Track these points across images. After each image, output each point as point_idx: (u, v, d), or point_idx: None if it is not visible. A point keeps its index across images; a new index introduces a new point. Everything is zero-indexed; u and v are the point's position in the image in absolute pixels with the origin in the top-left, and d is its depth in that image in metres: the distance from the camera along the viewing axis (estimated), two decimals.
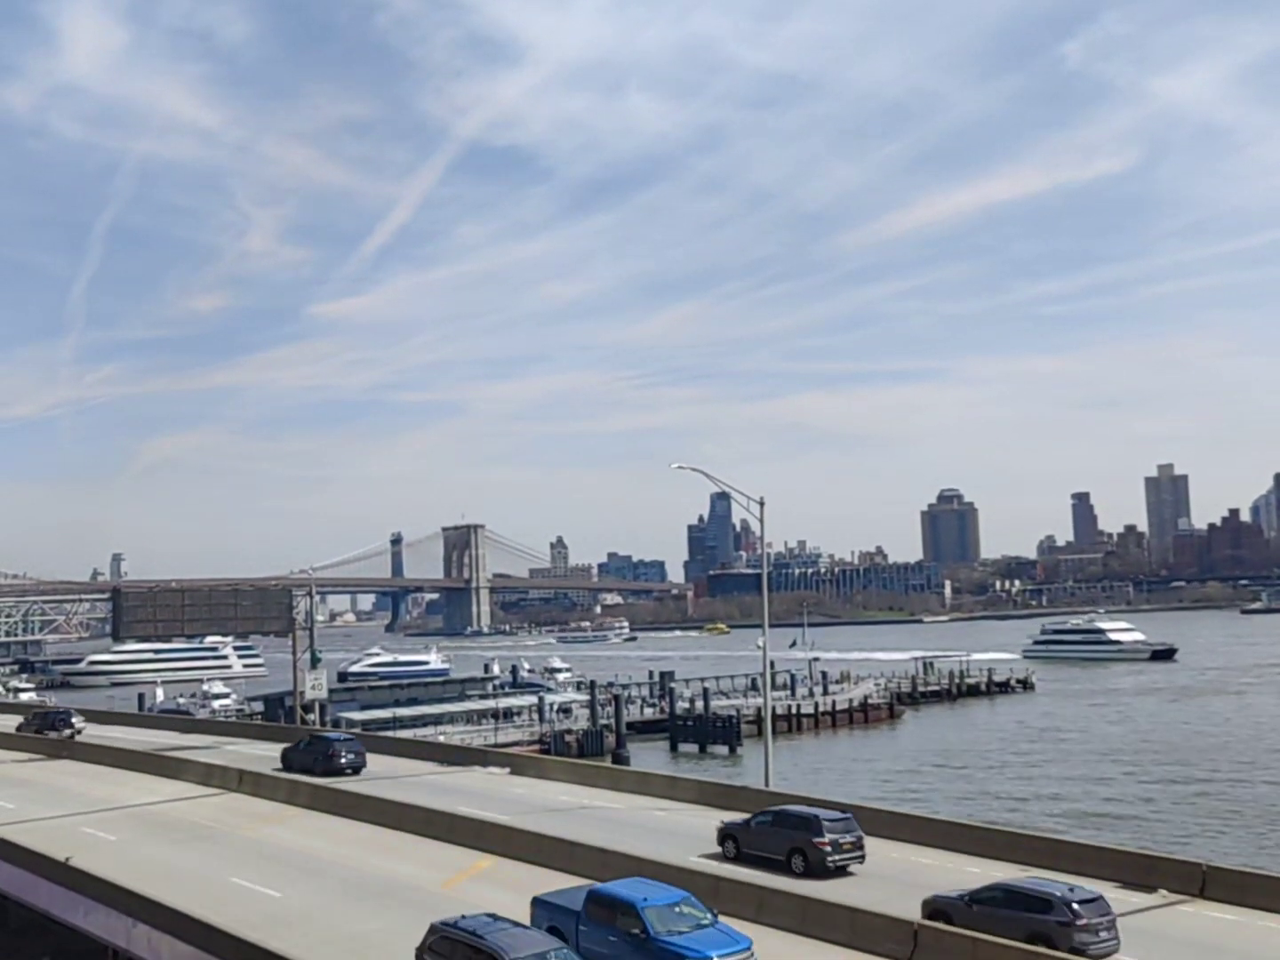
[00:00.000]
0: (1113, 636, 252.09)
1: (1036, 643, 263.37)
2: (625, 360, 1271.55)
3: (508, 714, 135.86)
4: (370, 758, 78.64)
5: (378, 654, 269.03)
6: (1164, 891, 40.43)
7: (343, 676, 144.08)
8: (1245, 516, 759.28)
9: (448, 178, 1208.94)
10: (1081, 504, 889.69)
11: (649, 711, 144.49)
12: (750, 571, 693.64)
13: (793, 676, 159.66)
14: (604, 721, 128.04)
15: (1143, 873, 41.88)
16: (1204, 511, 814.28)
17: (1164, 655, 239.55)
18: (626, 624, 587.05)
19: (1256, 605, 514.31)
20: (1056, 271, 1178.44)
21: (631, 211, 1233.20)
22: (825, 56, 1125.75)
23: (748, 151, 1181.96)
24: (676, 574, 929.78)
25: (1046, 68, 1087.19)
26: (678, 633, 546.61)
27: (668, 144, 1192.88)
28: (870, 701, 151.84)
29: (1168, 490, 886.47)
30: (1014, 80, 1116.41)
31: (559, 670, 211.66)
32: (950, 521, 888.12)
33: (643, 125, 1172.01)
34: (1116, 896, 40.20)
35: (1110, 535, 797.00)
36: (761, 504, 64.32)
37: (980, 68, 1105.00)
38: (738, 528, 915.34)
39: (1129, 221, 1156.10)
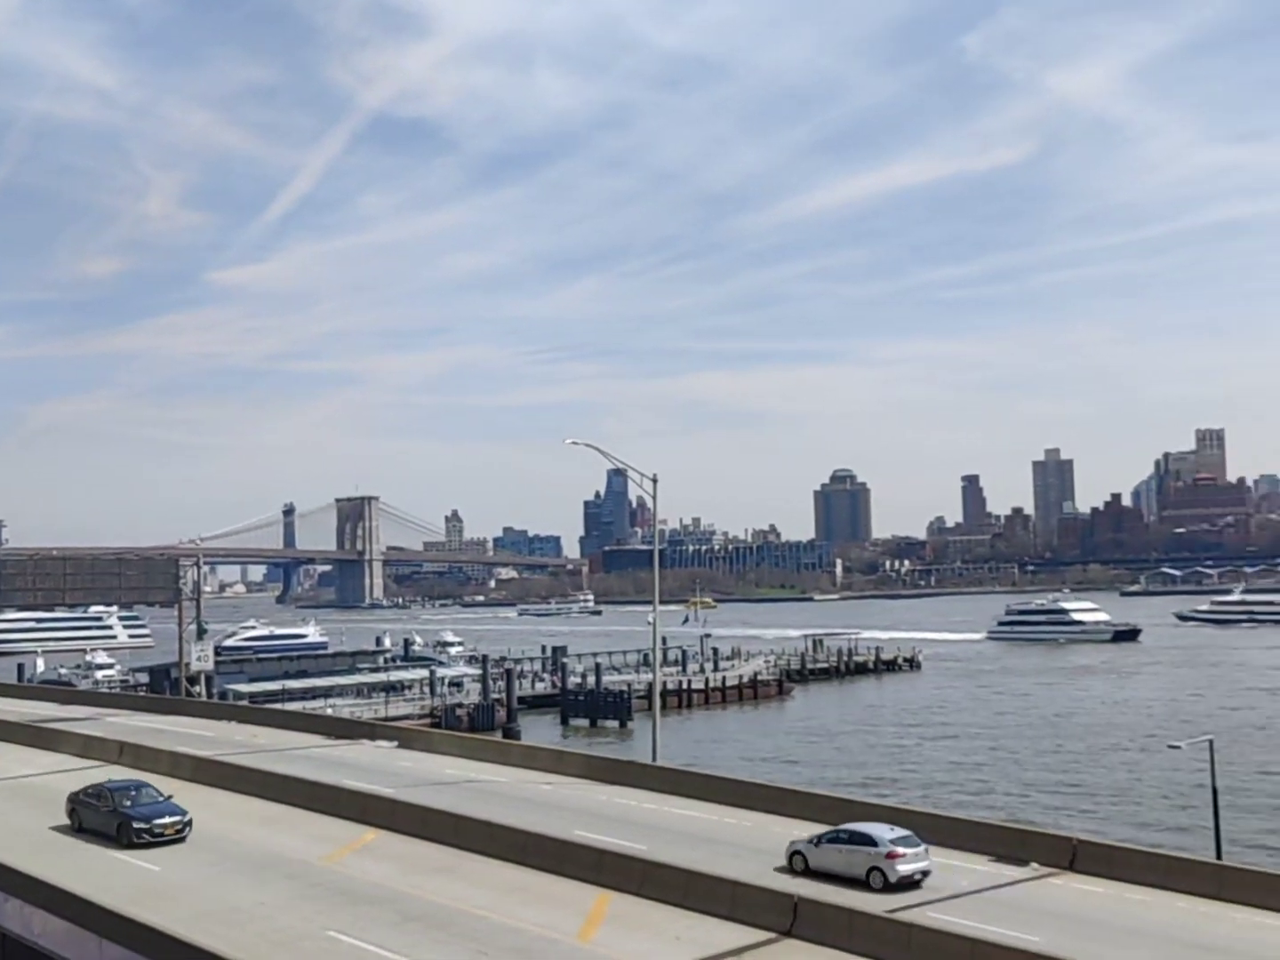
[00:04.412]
0: (1076, 617, 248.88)
1: (1001, 623, 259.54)
2: (527, 334, 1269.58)
3: (398, 687, 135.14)
4: (257, 730, 77.98)
5: (254, 627, 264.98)
6: (1035, 865, 41.47)
7: (217, 650, 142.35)
8: (1127, 501, 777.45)
9: (352, 147, 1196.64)
10: (971, 486, 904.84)
11: (541, 686, 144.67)
12: (645, 548, 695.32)
13: (684, 653, 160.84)
14: (495, 695, 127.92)
15: (1015, 846, 42.92)
16: (1088, 495, 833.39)
17: (1127, 636, 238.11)
18: (591, 596, 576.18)
19: (1135, 588, 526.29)
20: (955, 257, 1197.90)
21: (537, 186, 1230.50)
22: (733, 39, 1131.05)
23: (654, 131, 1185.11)
24: (572, 549, 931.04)
25: (948, 59, 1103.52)
26: (666, 607, 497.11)
27: (575, 121, 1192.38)
28: (760, 678, 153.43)
29: (1054, 474, 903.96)
30: (917, 70, 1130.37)
31: (451, 644, 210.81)
32: (843, 501, 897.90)
33: (550, 101, 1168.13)
34: (990, 870, 41.31)
35: (998, 517, 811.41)
36: (655, 481, 64.60)
37: (884, 56, 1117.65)
38: (634, 504, 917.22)
39: (1025, 210, 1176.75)
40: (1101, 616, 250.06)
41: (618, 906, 36.94)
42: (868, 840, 40.27)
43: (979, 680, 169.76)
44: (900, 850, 39.64)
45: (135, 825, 44.51)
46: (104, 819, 45.69)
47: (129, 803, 45.81)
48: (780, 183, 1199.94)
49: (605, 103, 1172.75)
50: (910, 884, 39.40)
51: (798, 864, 41.76)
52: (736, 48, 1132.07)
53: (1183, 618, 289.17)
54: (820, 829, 46.06)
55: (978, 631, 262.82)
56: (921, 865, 39.94)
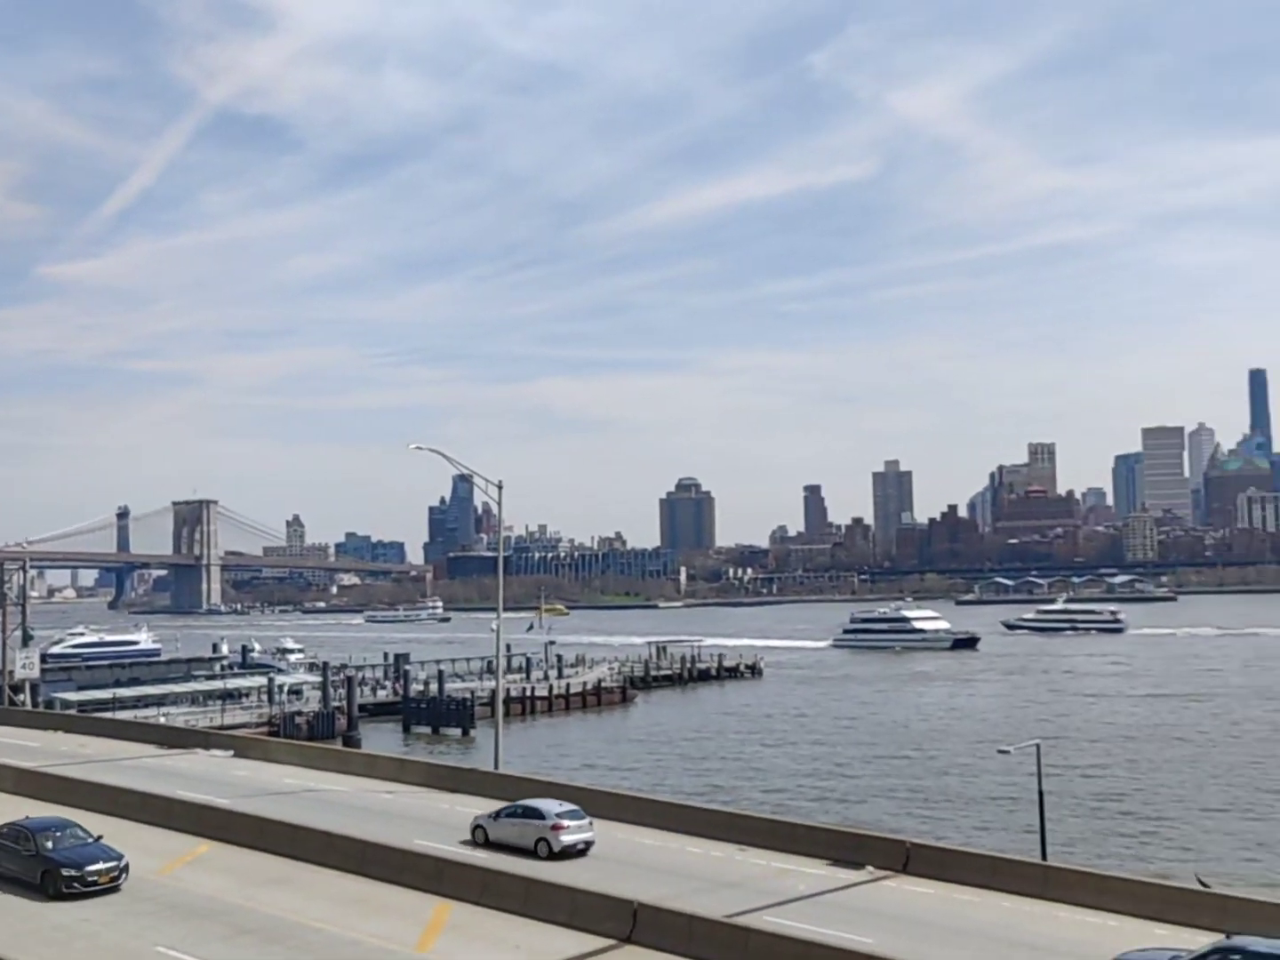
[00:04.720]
0: (917, 625, 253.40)
1: (846, 631, 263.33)
2: (374, 338, 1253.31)
3: (235, 695, 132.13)
4: (86, 740, 75.62)
5: (83, 633, 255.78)
6: (871, 868, 42.42)
7: (43, 658, 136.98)
8: (963, 512, 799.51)
9: (195, 143, 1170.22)
10: (813, 496, 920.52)
11: (383, 693, 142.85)
12: (490, 554, 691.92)
13: (528, 659, 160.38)
14: (336, 703, 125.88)
15: (851, 850, 43.84)
16: (926, 506, 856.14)
17: (966, 644, 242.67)
18: (440, 603, 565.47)
19: (969, 596, 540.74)
20: (800, 270, 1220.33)
21: (385, 188, 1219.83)
22: (585, 48, 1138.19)
23: (505, 135, 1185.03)
24: (416, 555, 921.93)
25: (795, 75, 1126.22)
26: (513, 614, 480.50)
27: (424, 123, 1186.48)
28: (604, 685, 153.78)
29: (893, 485, 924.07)
30: (765, 84, 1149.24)
31: (291, 651, 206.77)
32: (688, 509, 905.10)
33: (400, 103, 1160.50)
34: (826, 873, 42.10)
35: (839, 527, 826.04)
36: (500, 487, 64.39)
37: (734, 70, 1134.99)
38: (479, 510, 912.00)
39: (868, 227, 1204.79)
40: (942, 625, 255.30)
41: (458, 916, 36.78)
42: (537, 814, 45.63)
43: (820, 687, 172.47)
44: (564, 823, 44.97)
45: (64, 873, 38.60)
46: (25, 865, 39.61)
47: (51, 844, 39.92)
48: (630, 192, 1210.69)
49: (455, 106, 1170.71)
50: (574, 853, 44.55)
51: (479, 836, 46.52)
52: (588, 56, 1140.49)
53: (1010, 626, 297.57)
54: (660, 835, 46.54)
55: (822, 639, 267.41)
56: (585, 836, 45.23)
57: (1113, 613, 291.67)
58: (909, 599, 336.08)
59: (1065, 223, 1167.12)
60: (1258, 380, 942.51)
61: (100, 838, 41.47)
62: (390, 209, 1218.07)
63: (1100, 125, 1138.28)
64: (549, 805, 46.29)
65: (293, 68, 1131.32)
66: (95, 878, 38.81)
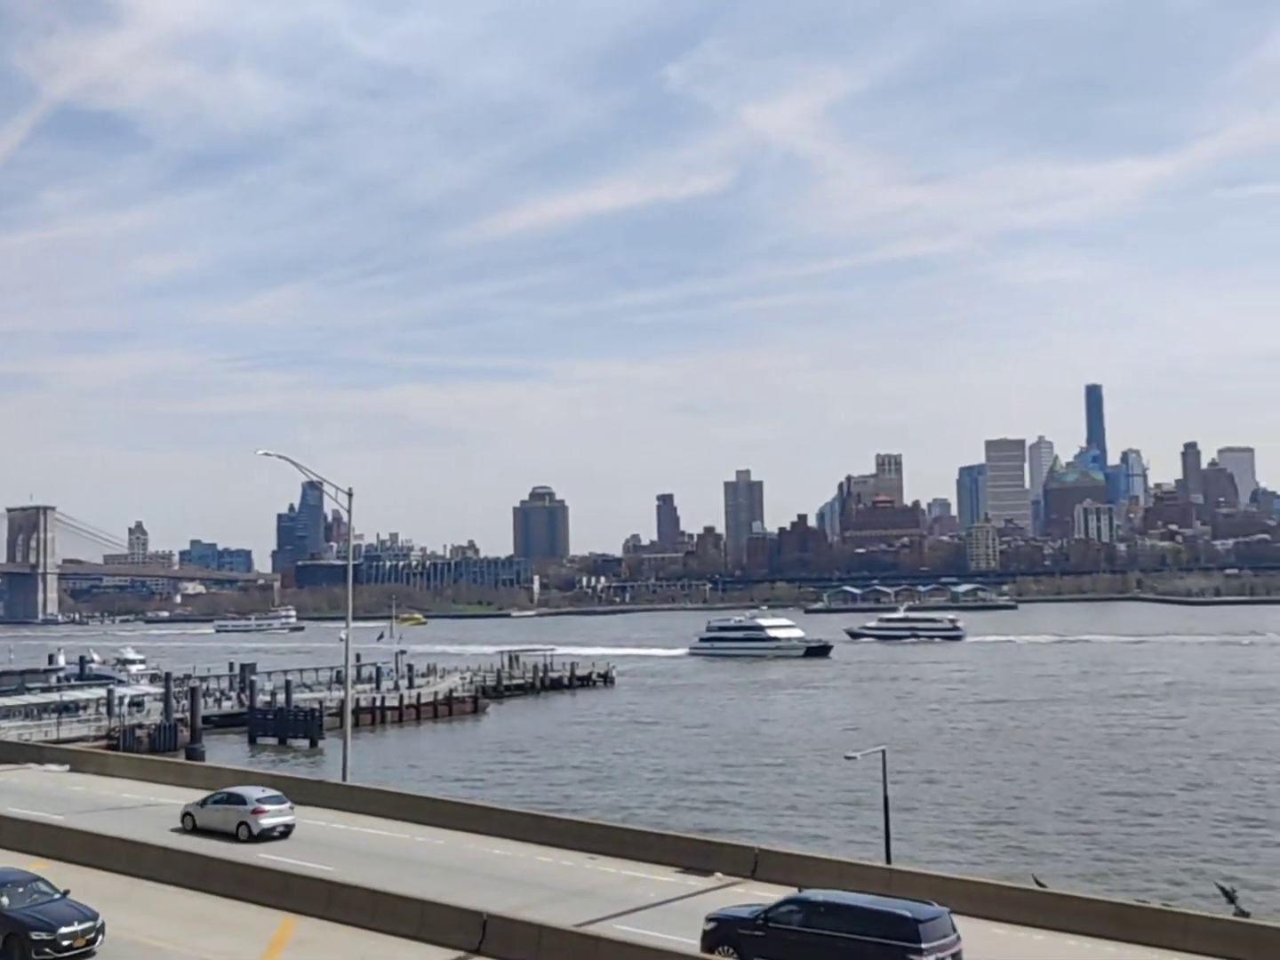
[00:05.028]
0: (771, 633, 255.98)
1: (702, 639, 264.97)
2: (222, 341, 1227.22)
3: (72, 708, 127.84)
4: None
5: None
6: (720, 874, 42.79)
7: None
8: (812, 522, 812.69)
9: (34, 138, 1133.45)
10: (666, 505, 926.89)
11: (228, 705, 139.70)
12: (340, 563, 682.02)
13: (378, 669, 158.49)
14: (179, 715, 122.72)
15: (702, 857, 44.18)
16: (776, 516, 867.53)
17: (818, 652, 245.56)
18: (294, 612, 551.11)
19: (818, 605, 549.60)
20: (653, 282, 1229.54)
21: (235, 190, 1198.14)
22: (438, 54, 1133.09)
23: (357, 140, 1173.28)
24: (264, 564, 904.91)
25: (651, 87, 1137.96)
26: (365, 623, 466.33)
27: (275, 125, 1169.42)
28: (455, 695, 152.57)
29: (744, 494, 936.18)
30: (620, 95, 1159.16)
31: (132, 661, 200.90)
32: (541, 518, 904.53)
33: (250, 103, 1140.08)
34: (676, 881, 42.33)
35: (691, 536, 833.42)
36: (350, 495, 63.54)
37: (589, 80, 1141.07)
38: (329, 518, 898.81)
39: (721, 239, 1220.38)
40: (795, 633, 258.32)
41: (303, 930, 36.13)
42: (239, 800, 49.40)
43: (673, 695, 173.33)
44: (265, 807, 48.74)
45: (34, 936, 33.51)
46: None
47: (9, 901, 34.65)
48: (483, 200, 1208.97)
49: (307, 108, 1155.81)
50: (275, 835, 48.23)
51: (188, 823, 50.09)
52: (441, 63, 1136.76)
53: (853, 634, 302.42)
54: (509, 844, 46.26)
55: (674, 647, 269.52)
56: (285, 820, 49.03)
57: (952, 621, 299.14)
58: (764, 607, 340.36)
59: (915, 239, 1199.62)
60: (1094, 395, 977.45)
61: (67, 892, 36.34)
62: (240, 211, 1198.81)
63: (947, 144, 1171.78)
64: (250, 791, 50.28)
65: (139, 63, 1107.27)
66: (69, 941, 33.81)
